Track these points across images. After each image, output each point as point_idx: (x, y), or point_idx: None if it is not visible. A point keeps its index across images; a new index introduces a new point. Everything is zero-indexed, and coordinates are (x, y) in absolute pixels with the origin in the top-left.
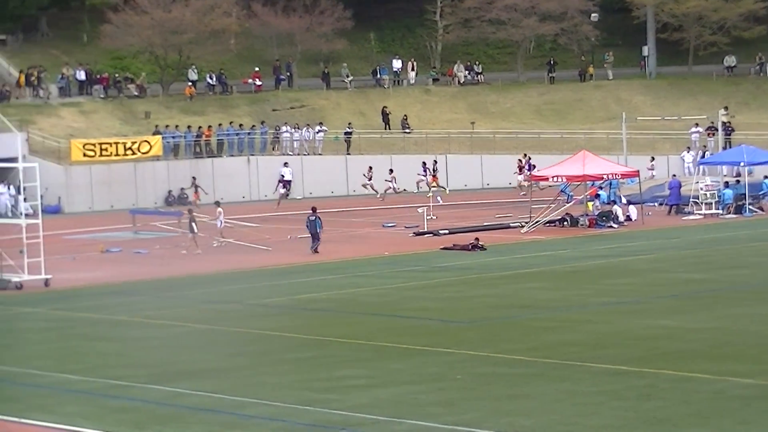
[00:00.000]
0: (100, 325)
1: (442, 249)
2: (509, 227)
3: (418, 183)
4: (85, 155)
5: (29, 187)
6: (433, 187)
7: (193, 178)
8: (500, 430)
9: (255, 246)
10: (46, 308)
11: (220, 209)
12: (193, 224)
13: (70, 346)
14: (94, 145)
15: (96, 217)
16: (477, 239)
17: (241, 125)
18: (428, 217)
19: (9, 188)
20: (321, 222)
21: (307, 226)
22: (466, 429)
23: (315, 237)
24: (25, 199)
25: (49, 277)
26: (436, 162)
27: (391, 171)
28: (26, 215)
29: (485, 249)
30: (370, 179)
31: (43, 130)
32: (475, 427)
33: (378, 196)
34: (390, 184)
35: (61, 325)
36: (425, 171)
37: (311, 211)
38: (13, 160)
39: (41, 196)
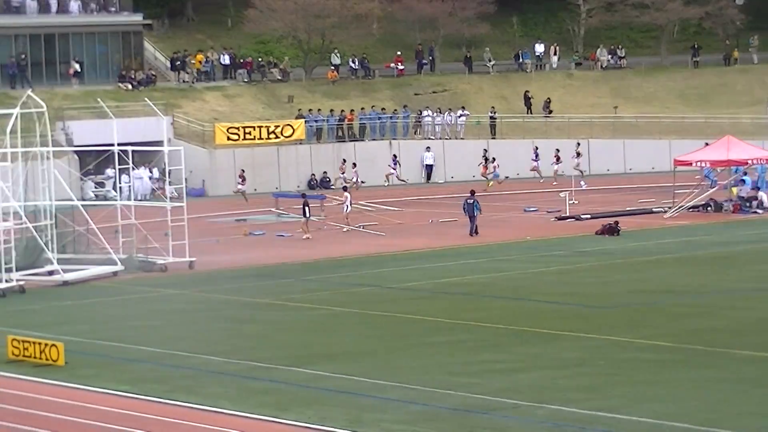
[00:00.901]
0: (243, 308)
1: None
2: (652, 212)
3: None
4: (228, 139)
5: (174, 171)
6: (487, 176)
7: (344, 160)
8: (642, 416)
9: (370, 231)
10: (191, 290)
11: (347, 194)
12: (306, 209)
13: (213, 328)
14: (237, 128)
15: (239, 201)
16: (616, 222)
17: (383, 109)
18: (570, 202)
19: (152, 172)
20: (479, 205)
21: (465, 209)
22: (608, 415)
23: (473, 219)
24: (170, 183)
25: (193, 259)
26: (486, 151)
27: (354, 164)
28: (171, 198)
29: (620, 233)
30: (394, 168)
31: (188, 114)
32: (617, 412)
33: (498, 181)
34: (394, 172)
35: (205, 307)
36: (537, 157)
37: (469, 194)
38: (159, 143)
39: (186, 180)
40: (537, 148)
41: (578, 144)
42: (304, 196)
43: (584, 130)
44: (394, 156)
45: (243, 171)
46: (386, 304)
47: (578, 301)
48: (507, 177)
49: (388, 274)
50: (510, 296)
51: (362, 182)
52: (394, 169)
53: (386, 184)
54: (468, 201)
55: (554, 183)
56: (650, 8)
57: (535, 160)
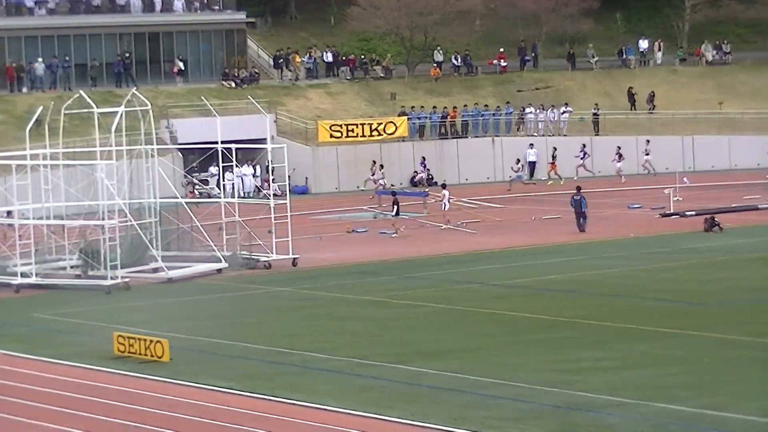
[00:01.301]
0: (346, 305)
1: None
2: (757, 209)
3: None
4: (331, 136)
5: (277, 168)
6: (553, 175)
7: (373, 162)
8: (748, 414)
9: (464, 229)
10: (294, 287)
11: (445, 191)
12: (396, 207)
13: (317, 324)
14: (340, 126)
15: (342, 198)
16: (712, 217)
17: (486, 106)
18: (674, 199)
19: (255, 169)
20: (586, 201)
21: (572, 205)
22: (714, 413)
23: (581, 216)
24: (273, 180)
25: (296, 256)
26: (555, 149)
27: (381, 166)
28: (274, 195)
29: (722, 229)
30: (373, 174)
31: (291, 111)
32: (723, 410)
33: (523, 182)
34: (380, 180)
35: (308, 304)
36: (584, 154)
37: (576, 191)
38: (262, 141)
39: (289, 177)
40: (584, 146)
41: (648, 141)
42: (394, 194)
43: (689, 127)
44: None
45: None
46: (490, 301)
47: (683, 298)
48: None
49: (491, 271)
50: (614, 293)
51: (383, 185)
52: (583, 159)
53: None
54: (575, 197)
55: (623, 181)
56: (756, 3)
57: (582, 158)
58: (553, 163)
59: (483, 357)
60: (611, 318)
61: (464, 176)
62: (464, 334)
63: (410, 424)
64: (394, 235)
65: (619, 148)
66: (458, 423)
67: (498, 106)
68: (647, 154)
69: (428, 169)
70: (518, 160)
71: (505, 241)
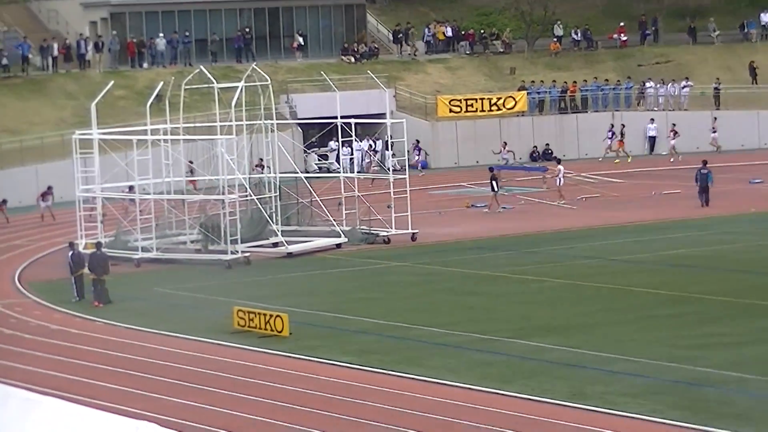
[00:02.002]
0: (465, 280)
1: None
2: None
3: (605, 149)
4: (451, 111)
5: (396, 143)
6: (621, 153)
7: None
8: None
9: (566, 206)
10: (413, 262)
11: (560, 167)
12: (494, 182)
13: (436, 299)
14: (459, 101)
15: (461, 173)
16: None
17: (606, 80)
18: None
19: (375, 144)
20: (712, 175)
21: (697, 179)
22: None
23: (705, 190)
24: (393, 155)
25: (415, 231)
26: (624, 126)
27: (505, 143)
28: (394, 170)
29: None
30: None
31: (410, 86)
32: None
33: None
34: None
35: (427, 279)
36: (612, 135)
37: (702, 164)
38: (382, 116)
39: (408, 152)
40: (613, 126)
41: (715, 119)
42: (491, 169)
43: None
44: (612, 126)
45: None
46: (610, 276)
47: None
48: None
49: (611, 246)
50: (736, 269)
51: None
52: (610, 139)
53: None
54: (701, 171)
55: (671, 160)
56: None
57: (610, 138)
58: (621, 141)
59: (603, 332)
60: (734, 293)
61: (584, 151)
62: (584, 309)
63: (529, 399)
64: (486, 210)
65: (674, 125)
66: (577, 398)
67: (618, 81)
68: (714, 132)
69: (423, 151)
70: (505, 143)
71: (625, 216)
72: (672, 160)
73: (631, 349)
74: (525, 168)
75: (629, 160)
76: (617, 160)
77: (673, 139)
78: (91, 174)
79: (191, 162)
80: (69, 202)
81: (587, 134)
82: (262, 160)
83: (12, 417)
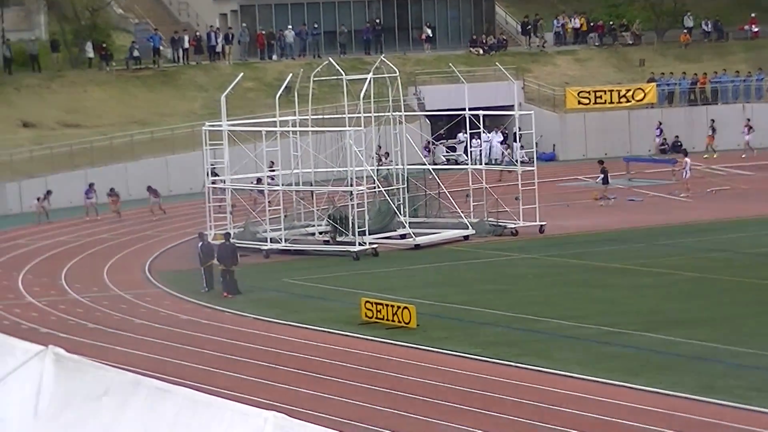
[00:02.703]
0: (593, 272)
1: None
2: None
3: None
4: (579, 103)
5: (525, 135)
6: (709, 148)
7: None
8: None
9: (680, 198)
10: (541, 254)
11: (687, 159)
12: (605, 176)
13: (564, 291)
14: (588, 92)
15: (590, 165)
16: None
17: (737, 72)
18: None
19: (504, 137)
20: None
21: None
22: None
23: None
24: (521, 147)
25: (543, 223)
26: (713, 121)
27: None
28: (521, 162)
29: None
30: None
31: (539, 78)
32: None
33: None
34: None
35: (555, 271)
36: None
37: None
38: (510, 107)
39: (536, 144)
40: (749, 120)
41: (748, 120)
42: (601, 162)
43: None
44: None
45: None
46: (740, 269)
47: None
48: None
49: (741, 239)
50: None
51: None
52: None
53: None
54: None
55: (743, 156)
56: None
57: (746, 133)
58: (711, 136)
59: (732, 326)
60: None
61: (714, 143)
62: (714, 303)
63: (657, 393)
64: (601, 204)
65: (749, 120)
66: (706, 392)
67: (749, 72)
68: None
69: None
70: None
71: (754, 208)
72: (753, 155)
73: (760, 343)
74: (654, 160)
75: (714, 156)
76: (706, 155)
77: (748, 134)
78: (220, 165)
79: (272, 163)
80: (198, 194)
81: (718, 126)
82: (380, 147)
83: (142, 406)
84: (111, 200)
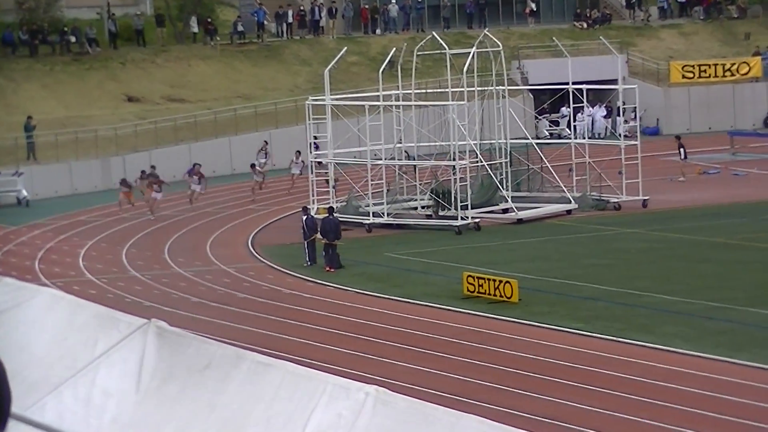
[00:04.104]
0: (698, 247)
1: None
2: None
3: None
4: (683, 77)
5: (628, 109)
6: None
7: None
8: None
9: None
10: (644, 229)
11: None
12: (682, 150)
13: (668, 266)
14: (693, 66)
15: (694, 139)
16: None
17: None
18: None
19: (608, 111)
20: None
21: None
22: None
23: None
24: (625, 121)
25: (646, 198)
26: None
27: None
28: (625, 137)
29: None
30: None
31: (643, 52)
32: None
33: None
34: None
35: (659, 246)
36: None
37: None
38: (613, 82)
39: (640, 118)
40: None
41: None
42: (678, 138)
43: None
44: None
45: None
46: None
47: None
48: None
49: None
50: None
51: None
52: None
53: None
54: None
55: None
56: None
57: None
58: None
59: None
60: None
61: None
62: None
63: (761, 368)
64: (682, 179)
65: None
66: None
67: None
68: None
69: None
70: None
71: None
72: None
73: None
74: (758, 134)
75: None
76: None
77: None
78: (324, 139)
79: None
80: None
81: None
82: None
83: (245, 379)
84: (123, 193)
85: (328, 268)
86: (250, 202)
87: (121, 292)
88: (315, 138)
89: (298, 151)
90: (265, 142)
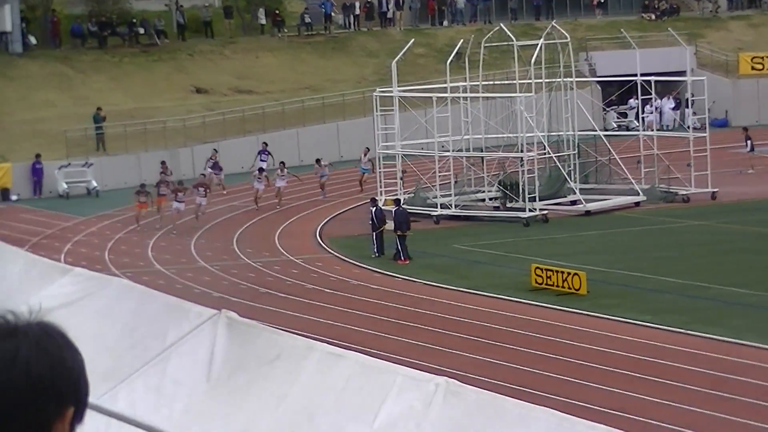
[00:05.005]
0: (765, 240)
1: None
2: None
3: None
4: (752, 68)
5: (697, 101)
6: None
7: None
8: None
9: None
10: (713, 221)
11: None
12: (749, 142)
13: (735, 259)
14: (762, 58)
15: (762, 131)
16: None
17: None
18: None
19: (676, 103)
20: None
21: None
22: None
23: None
24: (693, 113)
25: (715, 190)
26: None
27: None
28: (694, 129)
29: None
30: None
31: (711, 43)
32: None
33: None
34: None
35: (727, 238)
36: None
37: None
38: (682, 73)
39: (708, 110)
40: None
41: None
42: (745, 129)
43: None
44: None
45: None
46: None
47: None
48: None
49: None
50: None
51: None
52: None
53: None
54: None
55: None
56: None
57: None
58: None
59: None
60: None
61: None
62: None
63: None
64: (750, 171)
65: None
66: None
67: None
68: None
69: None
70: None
71: None
72: None
73: None
74: None
75: None
76: None
77: None
78: (391, 131)
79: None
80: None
81: None
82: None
83: (315, 370)
84: (138, 203)
85: (401, 261)
86: (255, 211)
87: (190, 283)
88: (383, 129)
89: (283, 162)
90: (264, 143)
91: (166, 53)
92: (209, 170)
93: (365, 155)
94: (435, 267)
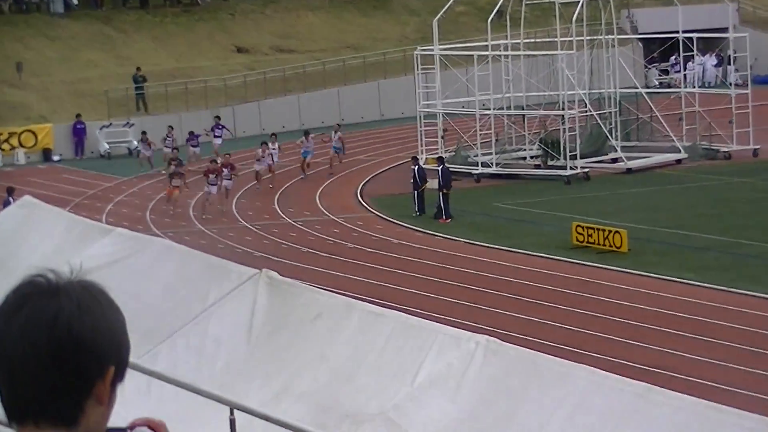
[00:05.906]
0: None
1: None
2: None
3: None
4: None
5: (739, 58)
6: None
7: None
8: None
9: None
10: (755, 178)
11: None
12: None
13: None
14: None
15: None
16: None
17: None
18: None
19: (719, 59)
20: None
21: None
22: None
23: None
24: (735, 70)
25: (757, 147)
26: None
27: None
28: (736, 85)
29: None
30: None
31: (754, 0)
32: None
33: None
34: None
35: None
36: None
37: None
38: (724, 30)
39: (750, 67)
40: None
41: None
42: None
43: None
44: None
45: None
46: None
47: None
48: None
49: None
50: None
51: None
52: None
53: None
54: None
55: None
56: None
57: None
58: None
59: None
60: None
61: None
62: None
63: None
64: None
65: None
66: None
67: None
68: None
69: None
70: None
71: None
72: None
73: None
74: None
75: None
76: None
77: None
78: (432, 90)
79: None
80: (410, 118)
81: None
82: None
83: (355, 329)
84: (169, 188)
85: (442, 220)
86: (297, 170)
87: (231, 243)
88: (424, 88)
89: (274, 134)
90: (217, 117)
91: (207, 13)
92: (168, 147)
93: (336, 132)
94: (476, 226)
